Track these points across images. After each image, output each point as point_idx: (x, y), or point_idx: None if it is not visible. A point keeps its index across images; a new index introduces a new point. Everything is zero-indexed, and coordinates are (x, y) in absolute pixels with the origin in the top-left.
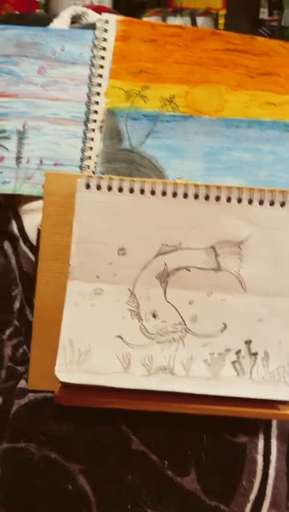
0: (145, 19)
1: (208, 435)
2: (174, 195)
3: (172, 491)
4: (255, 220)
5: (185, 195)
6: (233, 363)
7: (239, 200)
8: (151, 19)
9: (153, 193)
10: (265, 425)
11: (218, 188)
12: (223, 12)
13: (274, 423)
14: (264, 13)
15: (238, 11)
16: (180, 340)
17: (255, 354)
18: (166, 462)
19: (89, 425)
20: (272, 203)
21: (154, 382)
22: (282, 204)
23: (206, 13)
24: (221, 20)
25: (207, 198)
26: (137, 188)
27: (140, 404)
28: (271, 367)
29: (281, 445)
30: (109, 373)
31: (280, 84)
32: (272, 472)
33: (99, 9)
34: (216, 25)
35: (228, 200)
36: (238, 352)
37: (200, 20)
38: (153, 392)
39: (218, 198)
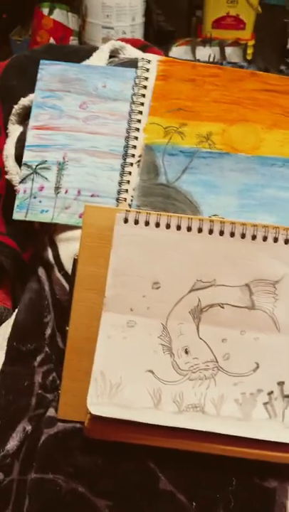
0: (175, 49)
1: (238, 478)
2: (210, 232)
3: None
4: None
5: (221, 233)
6: (265, 404)
7: (275, 240)
8: (180, 49)
9: (189, 229)
10: None
11: (255, 226)
12: (251, 43)
13: None
14: None
15: (267, 41)
16: (212, 378)
17: (288, 396)
18: (193, 504)
19: (117, 460)
20: None
21: (185, 419)
22: None
23: (235, 43)
24: (250, 51)
25: (243, 236)
26: (173, 223)
27: (170, 442)
28: None
29: None
30: (139, 408)
31: None
32: None
33: (135, 42)
34: (244, 55)
35: (264, 239)
36: (270, 393)
37: (228, 50)
38: (183, 430)
39: (254, 237)
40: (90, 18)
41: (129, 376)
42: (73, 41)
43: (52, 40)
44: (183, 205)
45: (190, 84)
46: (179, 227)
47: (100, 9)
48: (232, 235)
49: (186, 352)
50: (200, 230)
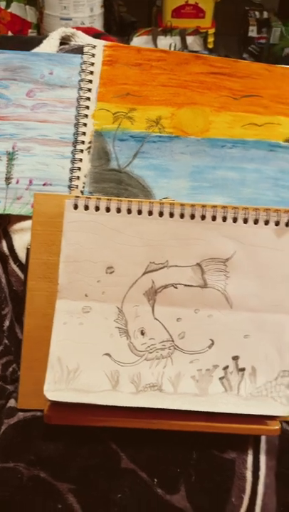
0: (136, 39)
1: (198, 452)
2: (161, 214)
3: (162, 509)
4: (239, 238)
5: (171, 215)
6: (221, 379)
7: (224, 219)
8: (141, 38)
9: (140, 212)
10: (254, 441)
11: (204, 207)
12: (212, 31)
13: (263, 438)
14: (253, 31)
15: (228, 30)
16: (168, 357)
17: (243, 370)
18: (155, 480)
19: (78, 444)
20: (256, 222)
21: (143, 399)
22: (266, 222)
23: (196, 32)
24: (211, 39)
25: (193, 216)
26: (124, 207)
27: (129, 422)
28: (258, 382)
29: (270, 461)
30: (98, 391)
31: (262, 106)
32: (261, 488)
33: (88, 30)
34: (205, 43)
35: (213, 218)
36: (225, 368)
37: (189, 39)
38: (142, 410)
39: (203, 217)
40: (47, 10)
41: (86, 361)
42: (32, 34)
43: (10, 34)
44: (136, 189)
45: (137, 68)
46: (129, 211)
47: (57, 1)
48: (182, 216)
49: (142, 333)
50: (150, 213)
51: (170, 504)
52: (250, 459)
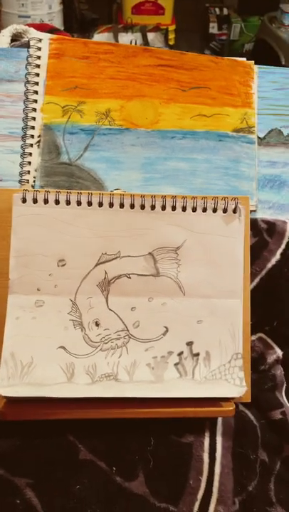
0: (96, 36)
1: (156, 438)
2: (111, 205)
3: (121, 496)
4: (189, 226)
5: (121, 205)
6: (176, 364)
7: (173, 208)
8: (102, 35)
9: (90, 204)
10: (211, 423)
11: (153, 197)
12: (172, 28)
13: (219, 420)
14: (213, 28)
15: (189, 26)
16: (123, 346)
17: (197, 355)
18: (114, 468)
19: (36, 438)
20: (204, 210)
21: (98, 389)
22: (214, 210)
23: (156, 28)
24: (172, 36)
25: (143, 207)
26: (73, 199)
27: (86, 413)
28: (213, 366)
29: (226, 441)
30: (52, 384)
31: (210, 97)
32: (217, 469)
33: (42, 27)
34: (166, 40)
35: (163, 208)
36: (180, 354)
37: (150, 35)
38: (98, 400)
39: (153, 207)
40: (5, 7)
41: (40, 355)
42: None
43: None
44: (87, 182)
45: (84, 61)
46: (79, 203)
47: None
48: (132, 206)
49: (97, 324)
50: (100, 204)
51: (129, 491)
52: (207, 441)
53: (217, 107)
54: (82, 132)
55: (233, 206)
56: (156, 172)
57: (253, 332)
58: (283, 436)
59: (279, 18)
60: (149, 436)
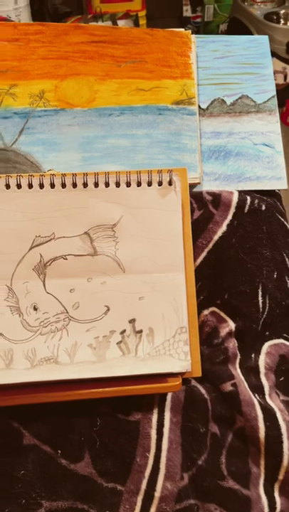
0: None
1: (102, 418)
2: (41, 186)
3: (67, 478)
4: (124, 202)
5: (52, 186)
6: (118, 343)
7: (107, 185)
8: None
9: (19, 186)
10: (160, 400)
11: (85, 174)
12: (142, 13)
13: (168, 396)
14: (187, 11)
15: (164, 12)
16: (63, 328)
17: (140, 332)
18: (59, 451)
19: None
20: (139, 184)
21: (38, 373)
22: (149, 184)
23: (126, 15)
24: (142, 21)
25: (74, 185)
26: (1, 183)
27: (28, 398)
28: (157, 342)
29: (174, 416)
30: None
31: (147, 70)
32: (165, 444)
33: None
34: (136, 26)
35: (96, 185)
36: (122, 332)
37: (121, 22)
38: (40, 384)
39: (85, 185)
40: None
41: None
42: None
43: None
44: (24, 166)
45: (14, 44)
46: (8, 186)
47: None
48: (63, 186)
49: (35, 309)
50: (30, 186)
51: (74, 473)
52: (155, 417)
53: (155, 80)
54: (16, 116)
55: (168, 179)
56: (95, 151)
57: (205, 306)
58: (235, 408)
59: None
60: (95, 417)
